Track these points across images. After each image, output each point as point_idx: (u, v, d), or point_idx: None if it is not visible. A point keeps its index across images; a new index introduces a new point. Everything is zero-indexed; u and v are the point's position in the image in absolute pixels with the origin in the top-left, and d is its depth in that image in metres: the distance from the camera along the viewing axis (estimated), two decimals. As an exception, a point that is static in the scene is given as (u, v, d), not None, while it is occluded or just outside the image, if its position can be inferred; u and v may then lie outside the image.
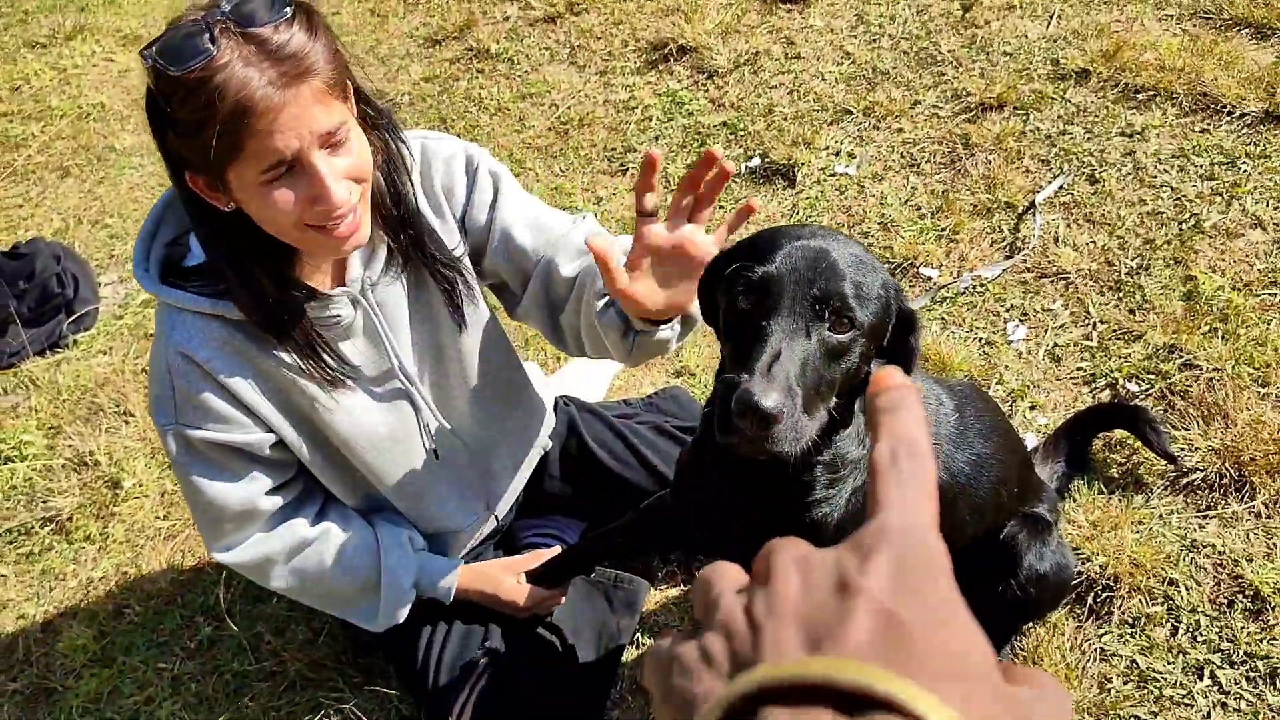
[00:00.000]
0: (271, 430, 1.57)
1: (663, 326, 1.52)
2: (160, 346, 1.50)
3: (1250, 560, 1.88)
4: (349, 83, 1.37)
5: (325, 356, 1.53)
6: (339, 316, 1.55)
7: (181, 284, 1.48)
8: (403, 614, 1.83)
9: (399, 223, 1.56)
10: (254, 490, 1.61)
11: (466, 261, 1.69)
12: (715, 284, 1.27)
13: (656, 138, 3.31)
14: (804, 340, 1.12)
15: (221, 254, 1.42)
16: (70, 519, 2.58)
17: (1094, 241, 2.56)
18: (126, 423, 2.82)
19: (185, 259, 1.51)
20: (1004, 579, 1.69)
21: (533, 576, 1.90)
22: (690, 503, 1.60)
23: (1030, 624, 1.84)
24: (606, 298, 1.58)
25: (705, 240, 1.38)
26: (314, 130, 1.30)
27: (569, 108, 3.55)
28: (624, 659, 2.00)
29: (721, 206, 2.99)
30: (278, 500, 1.66)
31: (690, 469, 1.58)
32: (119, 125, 4.15)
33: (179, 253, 1.52)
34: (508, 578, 1.92)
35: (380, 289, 1.60)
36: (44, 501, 2.67)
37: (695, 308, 1.46)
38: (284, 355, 1.52)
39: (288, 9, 1.27)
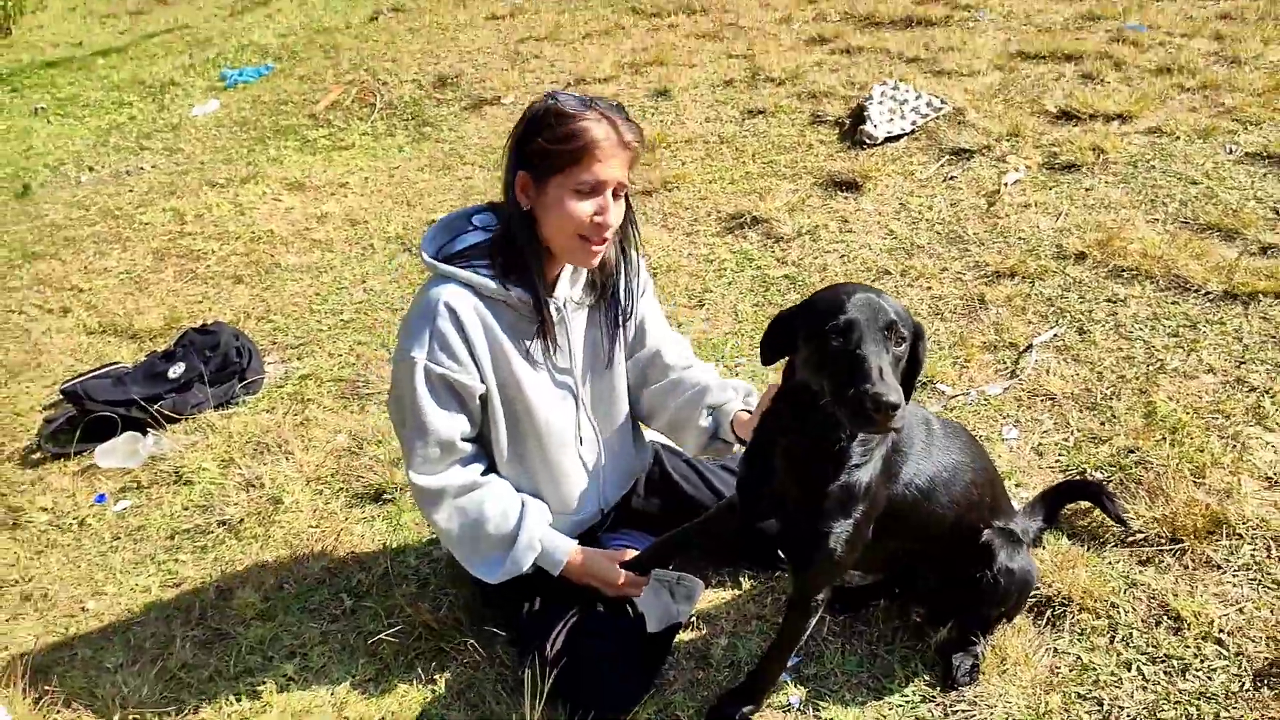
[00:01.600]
0: (485, 382, 2.25)
1: (737, 445, 2.38)
2: (430, 300, 2.18)
3: (1175, 595, 2.42)
4: (634, 165, 2.21)
5: (548, 336, 2.25)
6: (563, 297, 2.32)
7: (453, 261, 2.22)
8: (526, 566, 2.41)
9: (613, 272, 2.35)
10: (456, 427, 2.26)
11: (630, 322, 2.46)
12: (788, 332, 1.94)
13: (730, 283, 4.05)
14: (885, 355, 1.78)
15: (510, 232, 2.18)
16: (240, 522, 3.23)
17: (1078, 374, 3.20)
18: (287, 458, 3.49)
19: (451, 248, 2.25)
20: (982, 570, 2.25)
21: (626, 565, 2.50)
22: (751, 492, 2.21)
23: (1001, 618, 2.38)
24: (710, 411, 2.49)
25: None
26: (619, 179, 2.13)
27: (659, 258, 4.33)
28: (678, 638, 2.55)
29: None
30: (468, 447, 2.32)
31: (753, 455, 2.20)
32: (284, 248, 5.02)
33: (447, 250, 2.27)
34: (608, 563, 2.51)
35: (572, 310, 2.32)
36: (218, 510, 3.32)
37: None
38: (510, 330, 2.24)
39: (627, 116, 2.16)
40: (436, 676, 2.57)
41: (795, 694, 2.37)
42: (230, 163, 6.28)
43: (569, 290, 2.33)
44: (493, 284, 2.18)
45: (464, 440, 2.30)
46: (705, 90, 5.80)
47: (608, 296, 2.39)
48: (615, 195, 2.14)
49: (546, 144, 2.07)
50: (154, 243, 5.25)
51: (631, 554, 2.53)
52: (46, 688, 2.72)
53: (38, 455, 3.79)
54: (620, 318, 2.42)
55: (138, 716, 2.59)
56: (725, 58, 6.16)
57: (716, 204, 4.64)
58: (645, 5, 7.25)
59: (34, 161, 7.33)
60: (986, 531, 2.26)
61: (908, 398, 1.93)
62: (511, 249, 2.19)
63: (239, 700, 2.59)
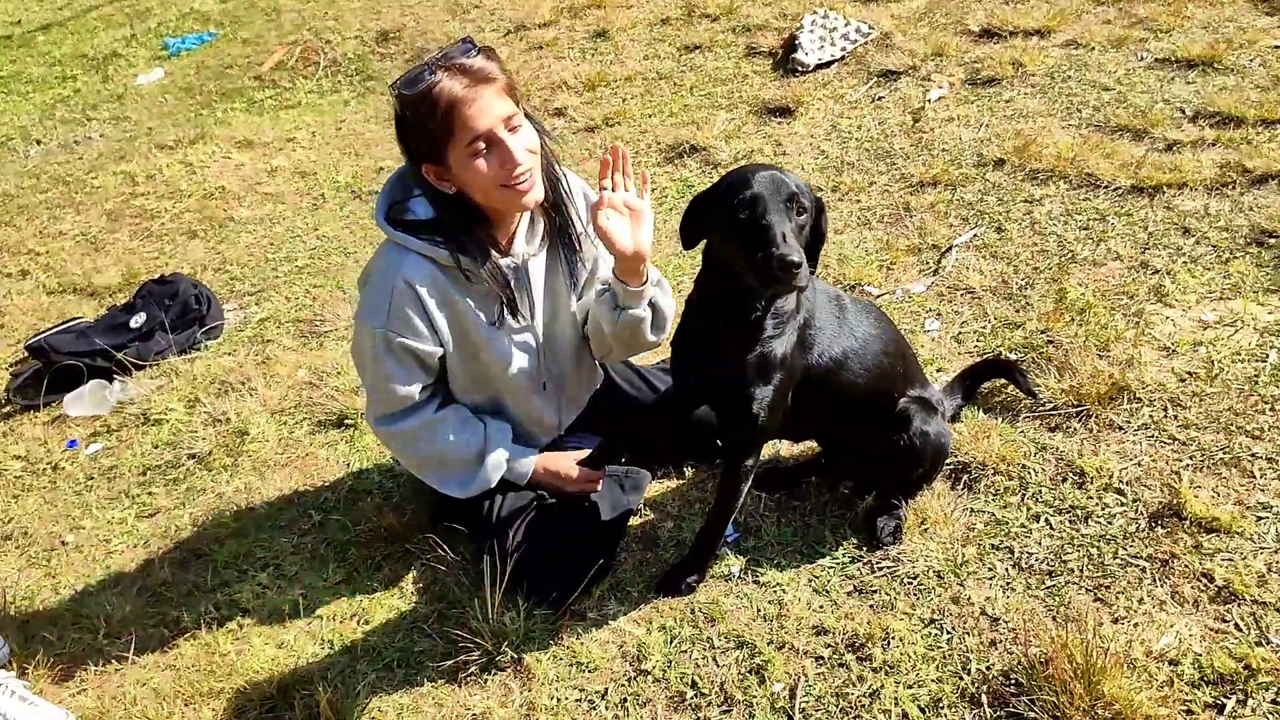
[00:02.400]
0: (442, 346, 2.38)
1: (637, 306, 2.43)
2: (389, 272, 2.29)
3: (1081, 455, 2.63)
4: (518, 93, 2.22)
5: (503, 297, 2.36)
6: (509, 265, 2.39)
7: (409, 231, 2.29)
8: (494, 481, 2.58)
9: (553, 204, 2.41)
10: (416, 387, 2.42)
11: (584, 240, 2.54)
12: (702, 214, 2.11)
13: (671, 209, 4.21)
14: (788, 223, 1.95)
15: (448, 219, 2.25)
16: (209, 454, 3.37)
17: (995, 269, 3.39)
18: (251, 394, 3.63)
19: (407, 215, 2.32)
20: (898, 434, 2.45)
21: (581, 463, 2.68)
22: (681, 366, 2.40)
23: (921, 481, 2.57)
24: (604, 287, 2.48)
25: (640, 201, 2.32)
26: (498, 115, 2.12)
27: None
28: (629, 524, 2.74)
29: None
30: (426, 394, 2.47)
31: (680, 340, 2.38)
32: (237, 202, 5.12)
33: (402, 210, 2.33)
34: (567, 463, 2.68)
35: (533, 261, 2.44)
36: (186, 446, 3.46)
37: (652, 272, 2.44)
38: (468, 299, 2.35)
39: (473, 49, 2.14)
40: (402, 575, 2.75)
41: (735, 564, 2.56)
42: (178, 126, 6.34)
43: (525, 246, 2.41)
44: (447, 254, 2.27)
45: (423, 390, 2.46)
46: (643, 30, 5.91)
47: (561, 234, 2.47)
48: (511, 129, 2.15)
49: (419, 130, 2.11)
50: (107, 205, 5.33)
51: (584, 454, 2.71)
52: (32, 613, 2.87)
53: (7, 409, 3.91)
54: (574, 246, 2.49)
55: (122, 631, 2.75)
56: (662, -2, 6.27)
57: (657, 136, 4.78)
58: (582, -49, 7.33)
59: (-20, 138, 7.34)
60: (903, 400, 2.45)
61: (813, 267, 2.12)
62: (455, 228, 2.27)
63: (218, 609, 2.75)
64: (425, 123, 2.10)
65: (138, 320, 4.03)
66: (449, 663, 2.43)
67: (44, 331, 4.08)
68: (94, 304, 4.48)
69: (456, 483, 2.60)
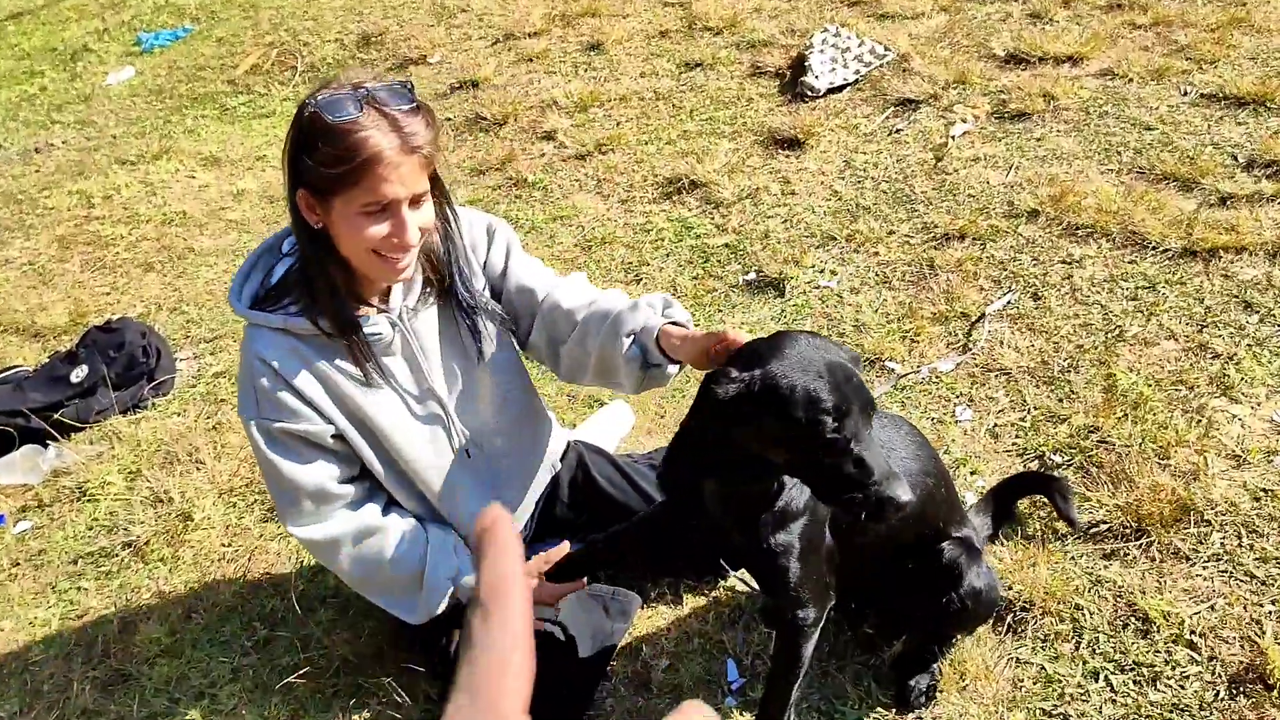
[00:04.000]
0: (331, 423, 1.99)
1: (672, 366, 2.01)
2: (246, 356, 1.95)
3: (1144, 593, 2.27)
4: (437, 160, 1.88)
5: (366, 362, 1.97)
6: (380, 334, 1.99)
7: (263, 309, 1.93)
8: (440, 607, 2.21)
9: (443, 266, 2.05)
10: (323, 475, 2.02)
11: (489, 303, 2.15)
12: (752, 408, 1.59)
13: (668, 255, 3.83)
14: (874, 442, 1.56)
15: (310, 258, 1.89)
16: (147, 544, 3.00)
17: (1033, 345, 3.02)
18: (198, 468, 3.26)
19: (268, 283, 1.96)
20: (948, 591, 2.07)
21: (549, 575, 2.29)
22: (678, 494, 2.00)
23: (962, 634, 2.21)
24: (631, 336, 2.03)
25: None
26: (411, 190, 1.80)
27: (593, 229, 4.09)
28: (614, 660, 2.37)
29: (720, 311, 3.48)
30: (349, 489, 2.08)
31: (684, 478, 1.95)
32: (198, 230, 4.72)
33: (264, 286, 1.97)
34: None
35: (418, 318, 2.05)
36: (124, 530, 3.08)
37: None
38: (339, 362, 1.97)
39: (414, 104, 1.80)
40: (355, 715, 2.38)
41: (740, 720, 2.20)
42: (143, 136, 5.92)
43: (403, 299, 2.03)
44: (303, 322, 1.90)
45: (342, 483, 2.07)
46: (640, 43, 5.51)
47: (451, 287, 2.08)
48: (415, 205, 1.84)
49: (320, 164, 1.75)
50: (59, 229, 4.92)
51: (559, 553, 2.32)
52: (-68, 745, 2.50)
53: (-70, 473, 3.52)
54: (470, 307, 2.11)
55: (31, 775, 2.38)
56: (660, 6, 5.85)
57: (653, 167, 4.39)
58: (577, -49, 6.90)
59: (-63, 140, 6.91)
60: (948, 546, 2.07)
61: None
62: (312, 276, 1.90)
63: (142, 751, 2.39)
64: (332, 161, 1.74)
65: (79, 374, 3.64)
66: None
67: (-23, 383, 3.69)
68: (36, 348, 4.09)
69: (401, 606, 2.22)
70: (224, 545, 2.96)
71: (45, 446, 3.47)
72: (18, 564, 3.07)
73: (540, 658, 2.04)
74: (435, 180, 1.93)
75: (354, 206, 1.78)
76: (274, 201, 4.87)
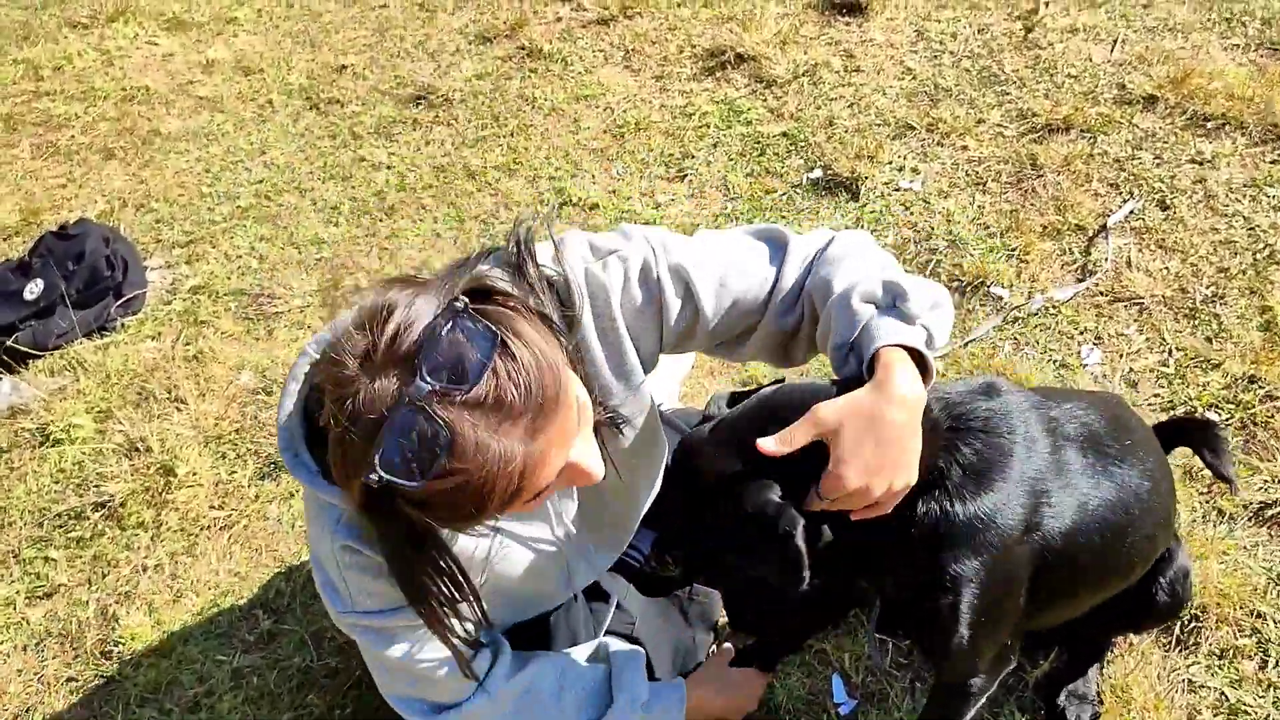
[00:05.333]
0: None
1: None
2: (325, 541, 1.36)
3: (1340, 594, 1.87)
4: (569, 354, 1.23)
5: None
6: None
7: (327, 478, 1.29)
8: None
9: None
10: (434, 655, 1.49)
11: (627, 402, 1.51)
12: None
13: (715, 145, 3.29)
14: None
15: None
16: (123, 504, 2.55)
17: (1167, 268, 2.54)
18: (179, 409, 2.79)
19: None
20: (1155, 577, 1.66)
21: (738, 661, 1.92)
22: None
23: (1150, 629, 1.81)
24: (843, 353, 1.37)
25: None
26: (568, 441, 1.17)
27: (624, 111, 3.53)
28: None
29: (784, 218, 2.98)
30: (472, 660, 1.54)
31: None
32: (164, 109, 4.12)
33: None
34: (731, 683, 1.90)
35: None
36: (95, 486, 2.63)
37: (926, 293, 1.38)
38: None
39: (492, 339, 1.07)
40: (384, 739, 1.98)
41: (854, 756, 1.82)
42: (96, -8, 5.21)
43: None
44: None
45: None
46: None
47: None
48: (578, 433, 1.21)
49: (441, 522, 1.16)
50: (3, 107, 4.30)
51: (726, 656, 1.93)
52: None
53: None
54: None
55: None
56: None
57: (689, 35, 3.80)
58: None
59: None
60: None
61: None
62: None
63: (127, 784, 2.00)
64: (449, 517, 1.13)
65: (34, 289, 3.12)
66: None
67: (-87, 298, 3.17)
68: (-18, 253, 3.55)
69: None
70: (214, 508, 2.52)
71: (-1, 378, 2.98)
72: (-26, 524, 2.64)
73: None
74: (546, 318, 1.23)
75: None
76: (249, 74, 4.25)
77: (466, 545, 1.47)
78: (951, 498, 1.32)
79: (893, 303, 1.32)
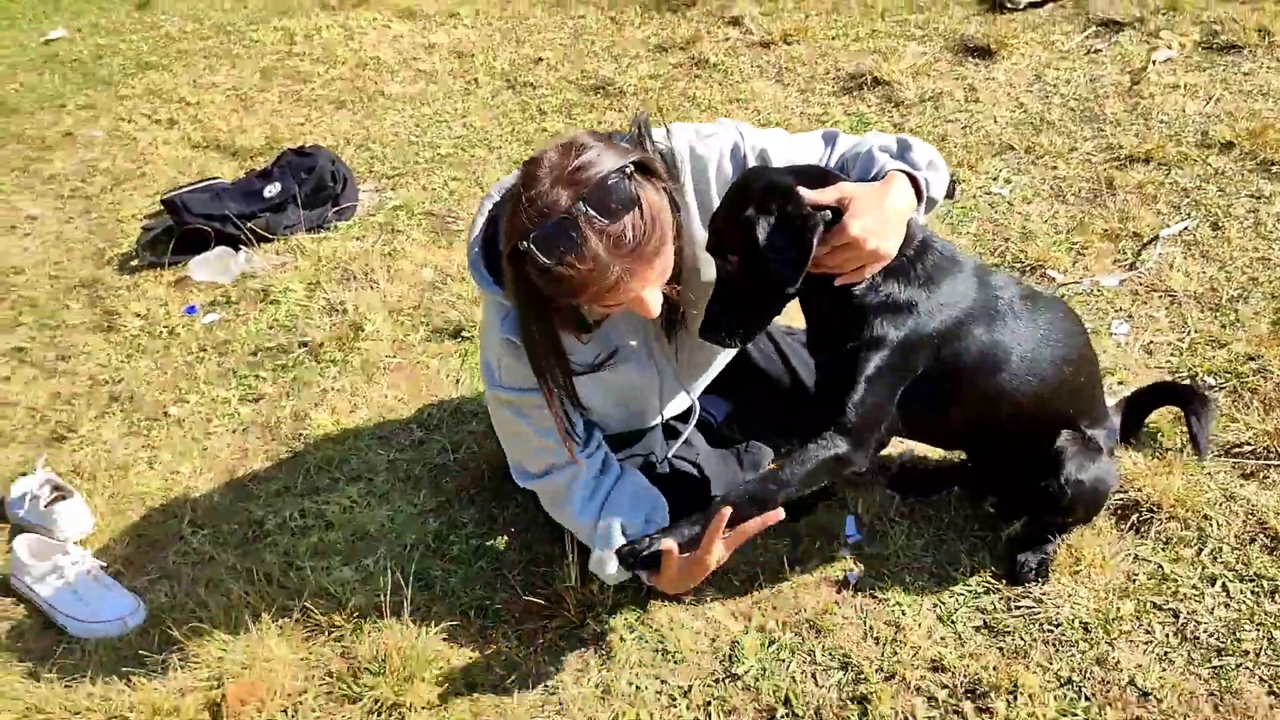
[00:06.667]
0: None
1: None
2: (493, 333, 1.99)
3: (1278, 514, 2.25)
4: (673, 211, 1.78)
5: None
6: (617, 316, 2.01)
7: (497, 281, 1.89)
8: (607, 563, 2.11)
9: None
10: (550, 434, 2.06)
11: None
12: None
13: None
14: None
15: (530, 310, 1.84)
16: (320, 345, 3.24)
17: (1204, 272, 2.95)
18: (372, 287, 3.48)
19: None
20: (1047, 478, 2.10)
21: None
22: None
23: (1071, 523, 2.24)
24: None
25: None
26: (650, 283, 1.74)
27: (768, 114, 4.12)
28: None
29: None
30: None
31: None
32: (389, 76, 4.94)
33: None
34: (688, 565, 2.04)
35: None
36: (300, 331, 3.34)
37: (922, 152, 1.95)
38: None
39: (629, 197, 1.64)
40: (496, 515, 2.57)
41: (853, 570, 2.30)
42: (345, -15, 6.16)
43: None
44: None
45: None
46: (839, -61, 5.42)
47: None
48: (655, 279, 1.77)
49: (549, 289, 1.71)
50: (262, 61, 5.22)
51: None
52: (124, 484, 2.81)
53: (135, 262, 3.86)
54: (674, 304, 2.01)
55: (206, 523, 2.66)
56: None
57: (837, 61, 4.38)
58: None
59: (158, -27, 7.33)
60: (1062, 436, 2.10)
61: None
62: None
63: (303, 516, 2.64)
64: (565, 295, 1.72)
65: (272, 190, 3.91)
66: (528, 624, 2.25)
67: (181, 188, 3.99)
68: (234, 165, 4.38)
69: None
70: (389, 356, 3.18)
71: (236, 250, 3.75)
72: (205, 349, 3.36)
73: (679, 492, 2.14)
74: (659, 174, 1.79)
75: (594, 306, 1.82)
76: (461, 57, 5.04)
77: (584, 352, 2.06)
78: (901, 286, 1.86)
79: (901, 154, 1.89)
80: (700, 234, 2.00)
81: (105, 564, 2.51)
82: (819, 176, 1.85)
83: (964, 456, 2.44)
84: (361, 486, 2.71)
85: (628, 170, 1.67)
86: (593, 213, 1.62)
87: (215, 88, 5.06)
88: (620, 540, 2.07)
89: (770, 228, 1.78)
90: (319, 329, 3.32)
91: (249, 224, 3.79)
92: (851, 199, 1.78)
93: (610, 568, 2.10)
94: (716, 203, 1.96)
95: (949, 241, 2.05)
